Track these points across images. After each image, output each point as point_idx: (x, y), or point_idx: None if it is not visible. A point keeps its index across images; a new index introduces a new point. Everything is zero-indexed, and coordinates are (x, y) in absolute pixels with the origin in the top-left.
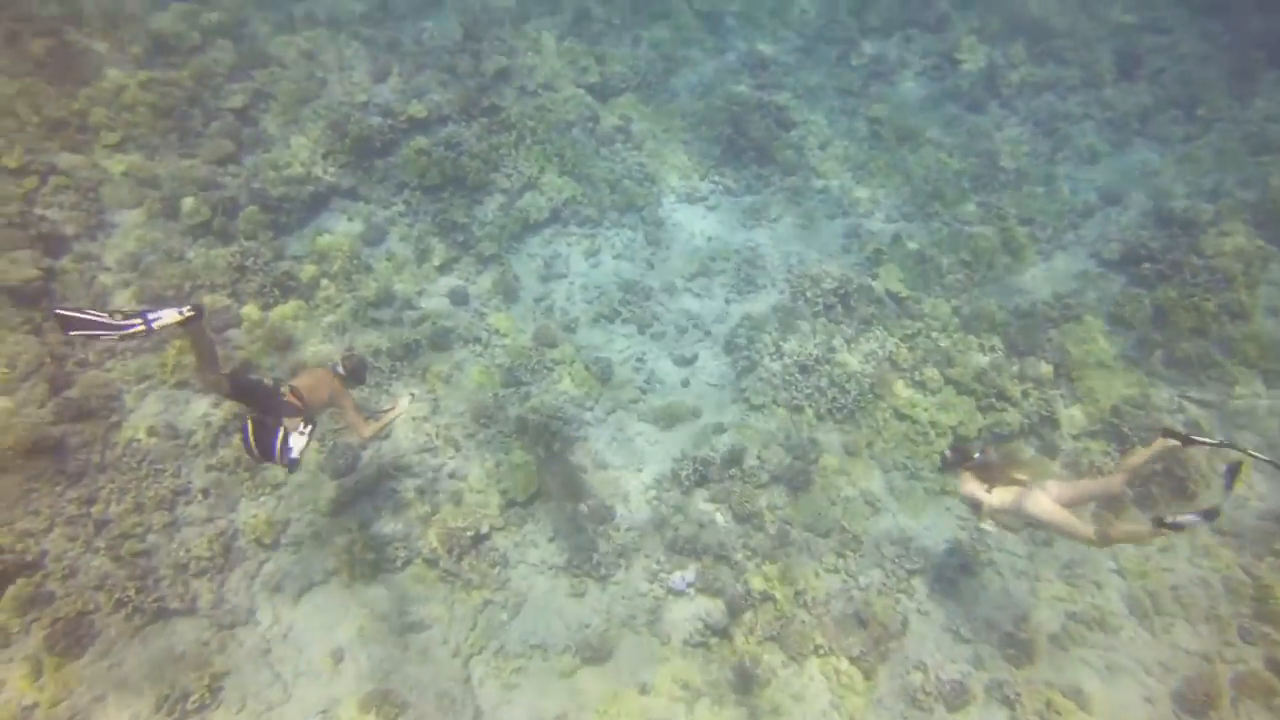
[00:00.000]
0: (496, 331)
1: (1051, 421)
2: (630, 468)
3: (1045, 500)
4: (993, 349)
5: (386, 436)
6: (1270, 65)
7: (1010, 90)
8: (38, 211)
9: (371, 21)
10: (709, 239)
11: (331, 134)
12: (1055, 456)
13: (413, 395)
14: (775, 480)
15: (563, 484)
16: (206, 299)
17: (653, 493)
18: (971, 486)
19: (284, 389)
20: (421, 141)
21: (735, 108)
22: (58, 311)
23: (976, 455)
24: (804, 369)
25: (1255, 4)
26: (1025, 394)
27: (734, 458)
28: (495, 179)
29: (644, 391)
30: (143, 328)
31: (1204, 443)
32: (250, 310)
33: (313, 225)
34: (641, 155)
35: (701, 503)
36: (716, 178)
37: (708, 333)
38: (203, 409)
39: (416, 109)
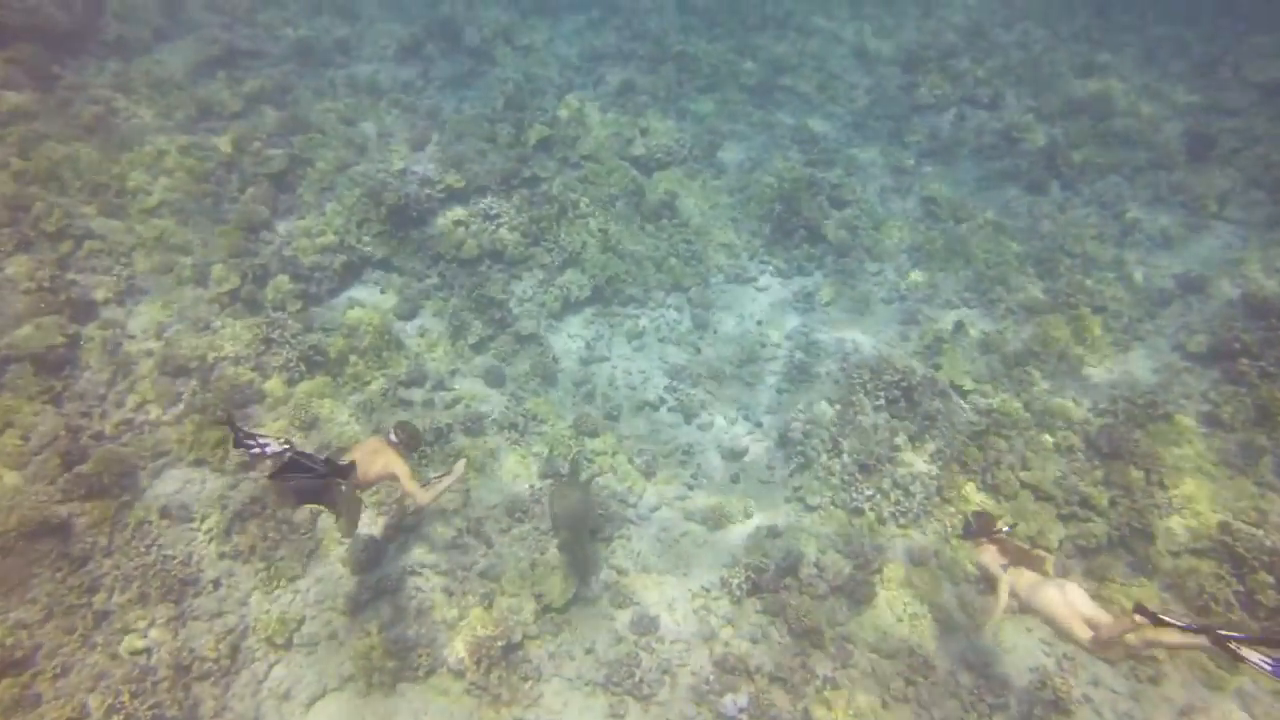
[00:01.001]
0: (534, 417)
1: (1145, 534)
2: (676, 572)
3: (1059, 596)
4: (1070, 450)
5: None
6: None
7: (1072, 171)
8: (69, 276)
9: (412, 89)
10: (759, 323)
11: (367, 202)
12: (1152, 576)
13: (467, 459)
14: (835, 591)
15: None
16: (229, 371)
17: (700, 601)
18: (989, 558)
19: (331, 469)
20: (459, 212)
21: (785, 185)
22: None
23: (1004, 529)
24: (864, 468)
25: None
26: (1113, 502)
27: (789, 566)
28: (535, 254)
29: (690, 488)
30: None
31: (1173, 625)
32: (274, 385)
33: (344, 296)
34: (688, 232)
35: (754, 614)
36: (766, 257)
37: (759, 424)
38: (219, 488)
39: (454, 179)
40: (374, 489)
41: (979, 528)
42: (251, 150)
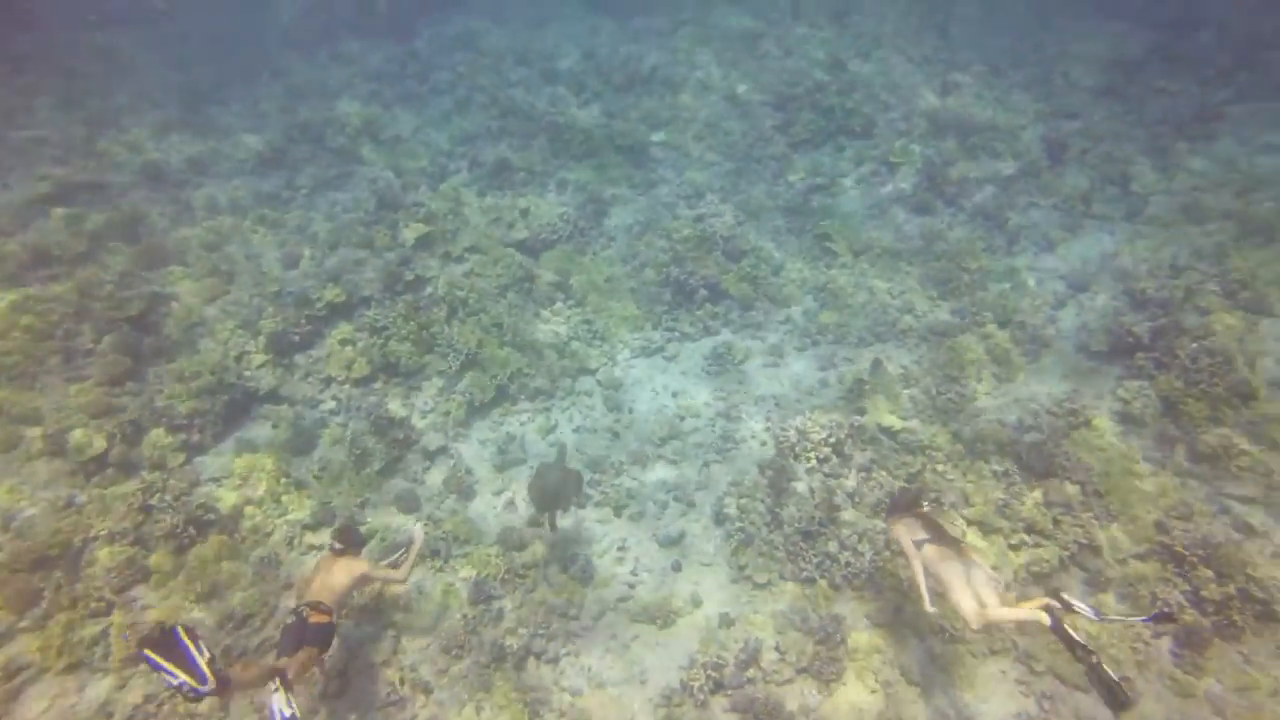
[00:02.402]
0: (455, 538)
1: (1092, 548)
2: (633, 682)
3: (962, 574)
4: (1007, 475)
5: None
6: (1179, 137)
7: (952, 188)
8: None
9: (277, 201)
10: (674, 394)
11: (243, 333)
12: (1106, 589)
13: (420, 522)
14: (802, 673)
15: None
16: (103, 553)
17: (664, 711)
18: (904, 535)
19: (304, 613)
20: (345, 329)
21: (678, 245)
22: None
23: (925, 506)
24: (807, 535)
25: (1149, 88)
26: (1056, 522)
27: (750, 656)
28: (430, 361)
29: (632, 586)
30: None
31: (1078, 610)
32: (160, 559)
33: (231, 440)
34: (586, 311)
35: (722, 714)
36: (671, 323)
37: (691, 504)
38: (104, 692)
39: (334, 293)
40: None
41: (903, 503)
42: (103, 295)
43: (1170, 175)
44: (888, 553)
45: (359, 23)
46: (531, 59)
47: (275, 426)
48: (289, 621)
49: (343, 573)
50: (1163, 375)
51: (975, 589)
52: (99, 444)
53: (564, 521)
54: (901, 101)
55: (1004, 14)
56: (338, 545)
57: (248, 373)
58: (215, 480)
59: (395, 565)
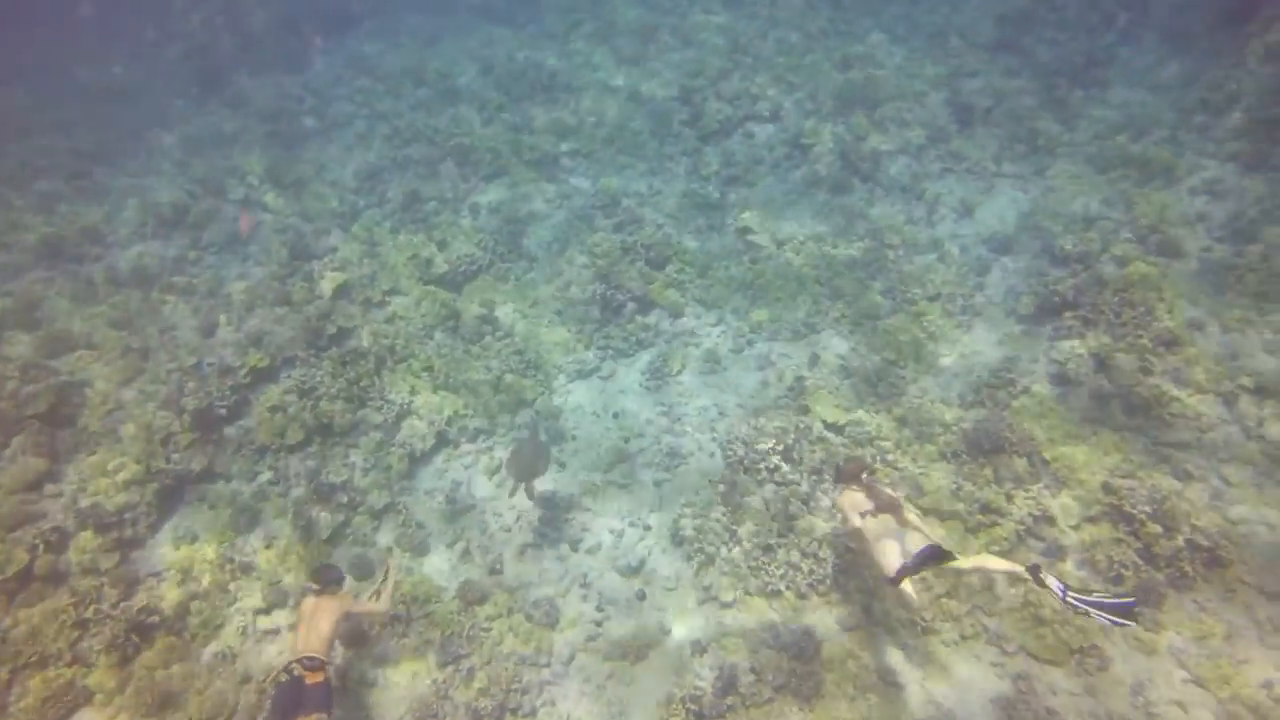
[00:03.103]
0: (414, 600)
1: (1047, 519)
2: None
3: (896, 547)
4: (956, 455)
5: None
6: (1074, 86)
7: (866, 163)
8: None
9: (185, 265)
10: (615, 416)
11: (165, 414)
12: (1064, 558)
13: (390, 550)
14: (780, 691)
15: None
16: (35, 682)
17: None
18: (849, 505)
19: (297, 671)
20: (273, 394)
21: (599, 261)
22: None
23: (865, 476)
24: (767, 549)
25: (1040, 39)
26: (1009, 498)
27: (727, 682)
28: (365, 415)
29: (599, 623)
30: None
31: (1049, 586)
32: (102, 676)
33: (168, 529)
34: (516, 341)
35: None
36: (603, 342)
37: (648, 528)
38: None
39: (257, 358)
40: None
41: (849, 472)
42: (7, 392)
43: (1072, 126)
44: (850, 554)
45: (244, 59)
46: (429, 78)
47: (213, 508)
48: (282, 681)
49: (326, 616)
50: (1091, 332)
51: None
52: (20, 558)
53: (524, 571)
54: (806, 80)
55: None
56: (315, 586)
57: (176, 455)
58: (155, 576)
59: (375, 597)
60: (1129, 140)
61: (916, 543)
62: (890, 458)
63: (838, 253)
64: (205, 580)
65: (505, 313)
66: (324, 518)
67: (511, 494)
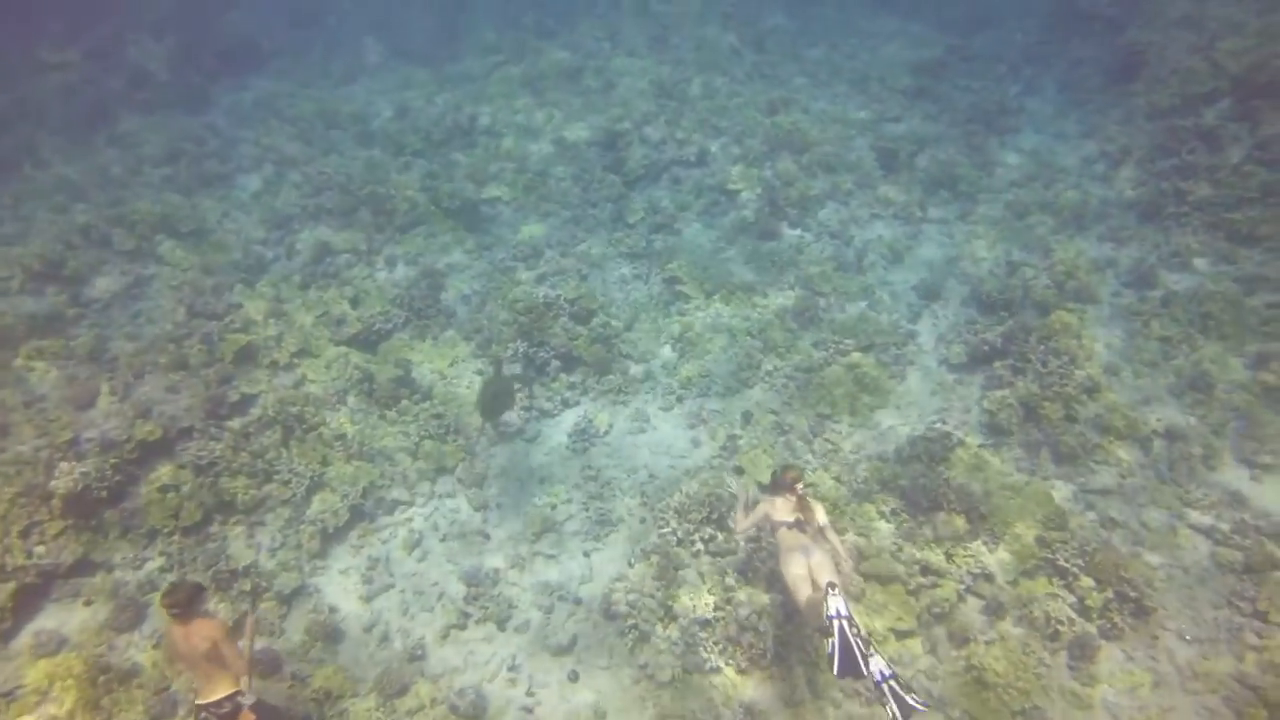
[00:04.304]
0: (327, 696)
1: (986, 576)
2: None
3: (802, 561)
4: (895, 514)
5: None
6: (990, 133)
7: (794, 209)
8: None
9: (60, 325)
10: (541, 480)
11: (27, 501)
12: (1004, 616)
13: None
14: None
15: None
16: None
17: None
18: (770, 508)
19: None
20: (165, 471)
21: (521, 317)
22: None
23: (800, 489)
24: (705, 623)
25: (955, 86)
26: (949, 556)
27: None
28: (270, 491)
29: (530, 710)
30: None
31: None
32: None
33: (26, 636)
34: (434, 404)
35: None
36: (527, 401)
37: (578, 602)
38: None
39: (146, 429)
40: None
41: (784, 481)
42: None
43: (990, 172)
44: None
45: (137, 95)
46: (343, 121)
47: (89, 604)
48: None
49: (203, 636)
50: (1020, 381)
51: (813, 573)
52: None
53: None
54: (731, 124)
55: (813, 21)
56: (177, 610)
57: (40, 548)
58: (6, 698)
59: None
60: (1042, 187)
61: (820, 563)
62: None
63: (768, 302)
64: (68, 701)
65: (423, 373)
66: (223, 606)
67: (479, 432)
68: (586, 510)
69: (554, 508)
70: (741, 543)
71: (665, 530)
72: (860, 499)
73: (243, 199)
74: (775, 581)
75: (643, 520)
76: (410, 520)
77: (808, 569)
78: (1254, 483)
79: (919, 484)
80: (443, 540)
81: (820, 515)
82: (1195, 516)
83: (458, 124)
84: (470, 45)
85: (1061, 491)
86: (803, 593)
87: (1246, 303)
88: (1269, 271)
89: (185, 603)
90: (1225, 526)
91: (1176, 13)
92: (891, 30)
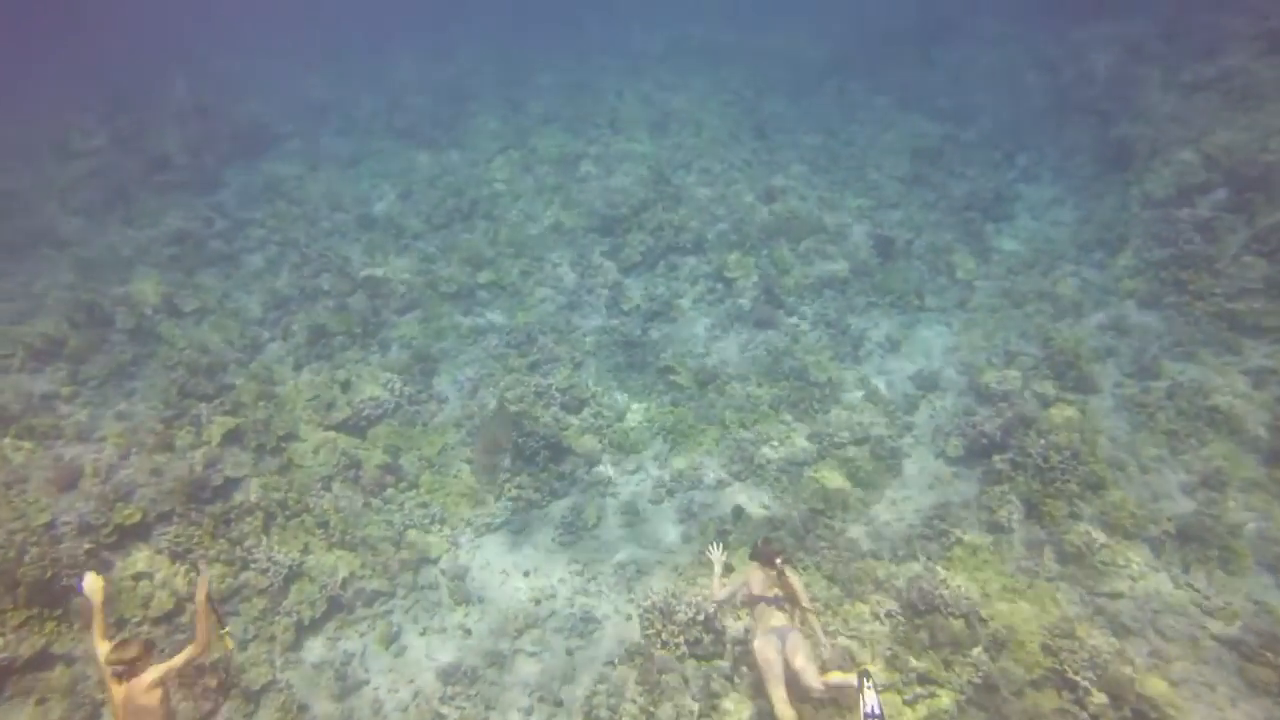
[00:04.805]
0: None
1: (988, 686)
2: None
3: (775, 645)
4: (890, 616)
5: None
6: (986, 220)
7: (791, 297)
8: None
9: (55, 404)
10: (526, 574)
11: None
12: None
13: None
14: None
15: None
16: None
17: None
18: (755, 579)
19: None
20: (141, 556)
21: (511, 406)
22: None
23: (780, 562)
24: None
25: (951, 174)
26: (947, 664)
27: None
28: (247, 579)
29: None
30: None
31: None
32: None
33: None
34: (420, 494)
35: None
36: (514, 492)
37: (559, 704)
38: None
39: (127, 513)
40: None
41: (764, 553)
42: None
43: (987, 259)
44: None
45: (154, 179)
46: (346, 204)
47: (41, 702)
48: None
49: (149, 692)
50: (1020, 476)
51: (787, 657)
52: None
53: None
54: (729, 211)
55: (812, 109)
56: (121, 668)
57: (2, 640)
58: None
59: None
60: (1039, 275)
61: (795, 646)
62: (823, 621)
63: (763, 393)
64: None
65: (410, 460)
66: (186, 709)
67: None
68: (572, 606)
69: (538, 603)
70: (714, 611)
71: (649, 631)
72: (854, 599)
73: (245, 279)
74: (746, 657)
75: (628, 617)
76: (389, 612)
77: (782, 652)
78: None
79: (915, 584)
80: (422, 634)
81: (800, 591)
82: (1218, 627)
83: (459, 208)
84: (473, 128)
85: (1067, 594)
86: (773, 675)
87: (1255, 396)
88: (1276, 364)
89: (133, 660)
90: (1253, 640)
91: (1166, 108)
92: (889, 119)
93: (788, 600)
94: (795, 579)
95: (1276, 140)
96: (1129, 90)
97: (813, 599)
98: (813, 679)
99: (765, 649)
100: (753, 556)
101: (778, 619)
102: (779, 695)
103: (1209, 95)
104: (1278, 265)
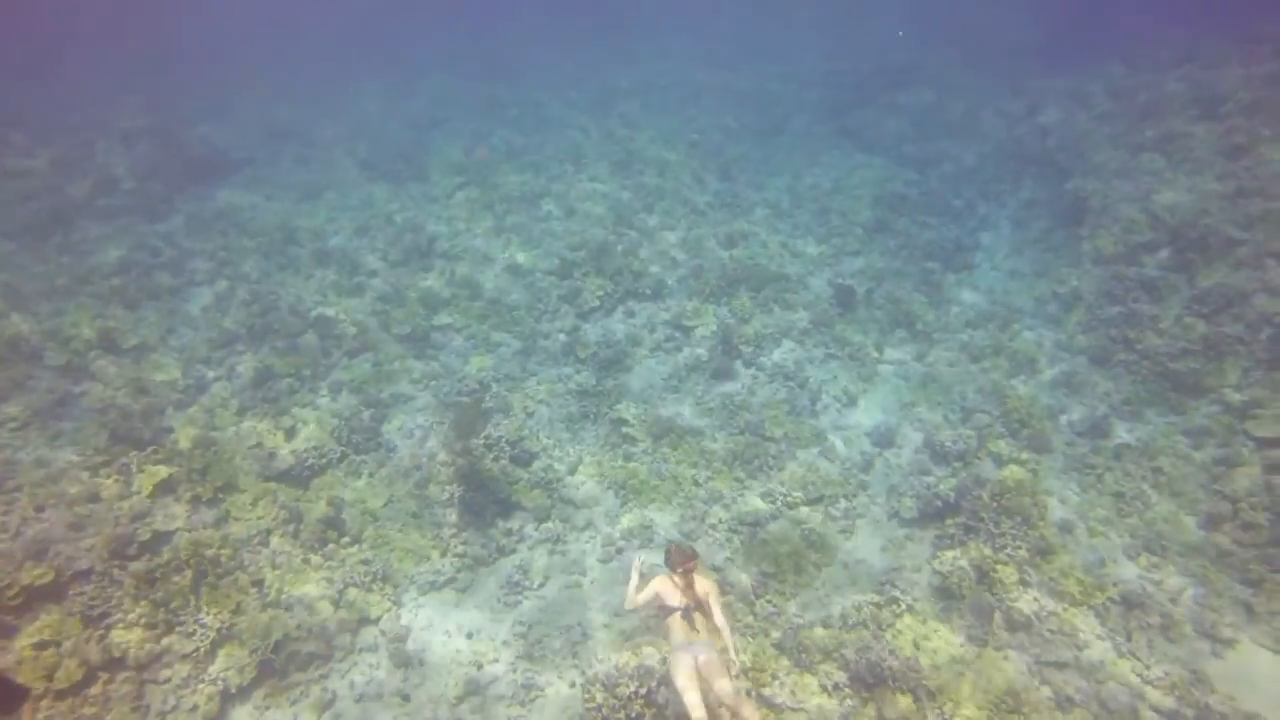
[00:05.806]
0: None
1: None
2: None
3: (688, 659)
4: (838, 689)
5: None
6: (946, 270)
7: (749, 347)
8: None
9: None
10: (469, 636)
11: None
12: None
13: None
14: None
15: None
16: None
17: None
18: (664, 587)
19: None
20: (48, 621)
21: (460, 459)
22: None
23: (689, 567)
24: None
25: (914, 221)
26: None
27: None
28: (171, 644)
29: None
30: None
31: None
32: None
33: None
34: (364, 549)
35: None
36: (461, 548)
37: None
38: None
39: (37, 572)
40: None
41: (675, 560)
42: None
43: (946, 311)
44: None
45: (97, 203)
46: (301, 237)
47: None
48: None
49: None
50: (972, 541)
51: (701, 675)
52: None
53: None
54: (690, 255)
55: (777, 150)
56: None
57: None
58: None
59: None
60: (996, 329)
61: (709, 664)
62: (767, 691)
63: (717, 448)
64: None
65: (353, 515)
66: None
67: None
68: (514, 672)
69: (480, 668)
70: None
71: (590, 704)
72: (802, 669)
73: (191, 314)
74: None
75: (571, 684)
76: (324, 677)
77: (695, 670)
78: (1215, 658)
79: (863, 656)
80: (358, 701)
81: (708, 595)
82: (1156, 697)
83: (416, 245)
84: (435, 164)
85: (1015, 663)
86: (690, 696)
87: (1195, 456)
88: (1214, 425)
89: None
90: (1189, 713)
91: (1115, 164)
92: (854, 163)
93: (699, 610)
94: (708, 585)
95: (1214, 203)
96: (1081, 144)
97: (728, 604)
98: (729, 699)
99: (680, 669)
100: (665, 563)
101: (690, 636)
102: (693, 700)
103: (1153, 155)
104: (1215, 326)
